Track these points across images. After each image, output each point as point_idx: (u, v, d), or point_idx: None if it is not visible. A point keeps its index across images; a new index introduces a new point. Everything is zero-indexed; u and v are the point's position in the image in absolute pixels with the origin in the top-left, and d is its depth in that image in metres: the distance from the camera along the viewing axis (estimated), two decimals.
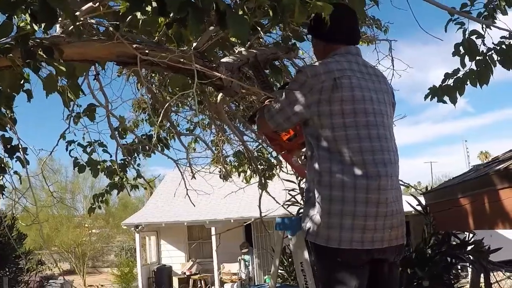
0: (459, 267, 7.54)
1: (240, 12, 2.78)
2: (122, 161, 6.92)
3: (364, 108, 2.92)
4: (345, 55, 3.08)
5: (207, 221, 22.56)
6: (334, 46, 3.14)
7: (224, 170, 8.48)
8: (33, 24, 2.88)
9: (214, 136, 8.45)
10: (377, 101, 3.01)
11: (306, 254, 3.11)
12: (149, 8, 2.79)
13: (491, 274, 7.50)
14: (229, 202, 20.39)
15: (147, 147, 7.24)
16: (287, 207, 8.75)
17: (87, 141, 6.48)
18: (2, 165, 4.63)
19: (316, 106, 2.88)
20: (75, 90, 3.83)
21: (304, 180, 3.22)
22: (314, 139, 2.94)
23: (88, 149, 6.55)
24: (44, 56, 2.93)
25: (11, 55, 2.94)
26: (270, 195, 6.54)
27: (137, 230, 24.16)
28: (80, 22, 3.28)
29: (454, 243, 7.51)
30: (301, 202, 8.45)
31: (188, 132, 8.26)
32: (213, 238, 22.87)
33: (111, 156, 6.73)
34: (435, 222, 6.96)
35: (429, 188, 8.41)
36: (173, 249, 26.52)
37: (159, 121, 6.09)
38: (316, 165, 2.91)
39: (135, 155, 7.31)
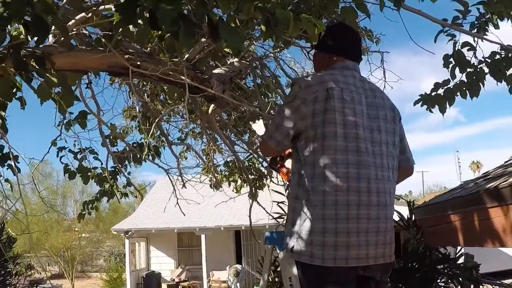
0: (448, 280, 7.52)
1: (232, 25, 2.78)
2: (113, 169, 6.90)
3: (355, 121, 2.90)
4: (341, 69, 3.10)
5: (197, 228, 22.57)
6: (334, 59, 3.19)
7: (214, 179, 8.48)
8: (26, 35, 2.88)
9: (205, 146, 8.46)
10: (368, 117, 2.99)
11: (294, 270, 3.09)
12: (141, 21, 2.79)
13: (481, 286, 7.51)
14: (219, 210, 20.36)
15: (137, 155, 7.23)
16: (275, 218, 8.75)
17: (78, 148, 6.48)
18: None
19: (311, 117, 2.87)
20: (68, 98, 3.82)
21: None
22: (305, 153, 2.90)
23: (79, 156, 6.54)
24: (36, 66, 2.93)
25: (3, 64, 2.94)
26: (260, 205, 6.54)
27: (127, 235, 24.13)
28: (73, 33, 3.28)
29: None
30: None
31: (179, 141, 8.25)
32: (203, 246, 22.88)
33: (101, 164, 6.73)
34: (423, 236, 6.99)
35: (419, 200, 8.43)
36: (162, 255, 26.50)
37: (151, 130, 6.11)
38: (301, 183, 2.91)
39: (126, 162, 7.31)
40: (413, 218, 7.78)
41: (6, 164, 4.39)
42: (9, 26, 3.30)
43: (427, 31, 4.86)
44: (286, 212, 3.20)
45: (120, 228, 24.56)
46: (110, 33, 3.43)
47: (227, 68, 3.94)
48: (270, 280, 8.13)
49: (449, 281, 7.38)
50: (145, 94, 6.67)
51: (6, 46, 2.96)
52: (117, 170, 6.96)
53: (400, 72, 7.24)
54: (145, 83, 6.84)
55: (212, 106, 4.11)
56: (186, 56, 3.62)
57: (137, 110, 7.42)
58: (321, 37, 3.15)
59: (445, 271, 7.26)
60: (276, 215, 8.69)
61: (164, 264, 26.14)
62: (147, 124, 7.34)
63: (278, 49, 6.11)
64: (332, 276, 2.80)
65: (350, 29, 3.38)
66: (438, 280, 7.34)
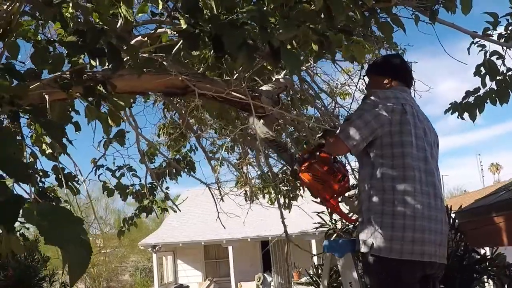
0: (487, 279, 7.69)
1: (289, 47, 2.94)
2: (150, 185, 7.06)
3: (421, 134, 3.23)
4: (401, 92, 3.39)
5: (224, 240, 22.60)
6: (395, 83, 3.50)
7: (250, 191, 8.61)
8: (91, 60, 3.03)
9: (238, 160, 8.59)
10: (427, 133, 3.32)
11: (354, 274, 3.25)
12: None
13: None
14: (246, 222, 20.46)
15: (174, 170, 7.39)
16: (316, 229, 8.91)
17: (117, 165, 6.64)
18: (54, 195, 4.77)
19: (389, 125, 3.15)
20: (116, 118, 3.98)
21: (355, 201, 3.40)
22: (379, 158, 3.17)
23: (117, 174, 6.69)
24: (103, 91, 3.09)
25: (71, 91, 3.10)
26: (281, 220, 6.64)
27: (154, 250, 24.24)
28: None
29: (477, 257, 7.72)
30: (330, 224, 8.58)
31: (211, 155, 8.39)
32: (231, 257, 22.95)
33: (140, 180, 6.88)
34: (466, 238, 7.18)
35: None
36: (189, 268, 26.55)
37: (187, 145, 6.23)
38: (379, 184, 3.13)
39: (163, 178, 7.47)
40: (450, 221, 7.95)
41: (65, 185, 4.53)
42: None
43: (444, 34, 4.97)
44: (354, 213, 3.36)
45: (147, 243, 24.69)
46: (163, 55, 3.59)
47: (273, 85, 4.09)
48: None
49: (488, 280, 7.55)
50: (182, 110, 6.82)
51: (68, 71, 3.14)
52: (154, 186, 7.12)
53: (419, 75, 7.36)
54: (178, 100, 7.00)
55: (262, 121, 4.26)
56: (236, 75, 3.78)
57: (174, 127, 7.58)
58: (386, 65, 3.66)
59: (484, 270, 7.42)
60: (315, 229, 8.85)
61: (192, 277, 26.17)
62: (183, 139, 7.52)
63: (310, 64, 6.27)
64: (407, 269, 3.04)
65: (405, 61, 3.85)
66: (478, 280, 7.49)
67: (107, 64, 2.92)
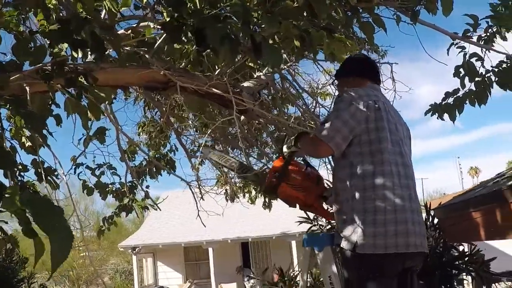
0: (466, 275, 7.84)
1: (271, 42, 2.96)
2: (130, 183, 7.03)
3: (395, 129, 3.28)
4: (372, 89, 3.44)
5: (204, 242, 22.54)
6: (363, 81, 3.52)
7: (230, 190, 8.62)
8: (73, 52, 3.03)
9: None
10: (399, 128, 3.36)
11: (334, 268, 3.26)
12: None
13: (494, 285, 7.80)
14: (226, 223, 20.45)
15: (154, 168, 7.38)
16: (299, 224, 8.94)
17: (96, 163, 6.59)
18: (33, 189, 4.73)
19: (365, 122, 3.16)
20: (96, 111, 3.94)
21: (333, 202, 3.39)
22: (357, 156, 3.18)
23: (97, 172, 6.65)
24: (85, 82, 3.09)
25: (52, 82, 3.09)
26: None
27: (134, 252, 24.10)
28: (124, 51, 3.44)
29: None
30: (313, 219, 8.62)
31: (192, 153, 8.39)
32: (211, 259, 22.90)
33: (120, 179, 6.85)
34: (444, 235, 7.30)
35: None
36: (170, 270, 26.40)
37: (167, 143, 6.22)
38: (360, 182, 3.14)
39: (143, 177, 7.45)
40: (430, 219, 8.11)
41: (45, 179, 4.50)
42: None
43: (427, 40, 5.04)
44: (337, 213, 3.35)
45: (127, 245, 24.52)
46: (145, 49, 3.60)
47: (255, 82, 4.11)
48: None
49: (466, 276, 7.68)
50: (164, 108, 6.81)
51: (49, 63, 3.13)
52: (134, 184, 7.10)
53: (398, 77, 7.44)
54: (159, 98, 6.99)
55: (242, 118, 4.27)
56: (218, 70, 3.80)
57: (154, 124, 7.56)
58: (351, 64, 3.66)
59: (463, 266, 7.54)
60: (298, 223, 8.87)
61: (172, 279, 26.03)
62: (163, 138, 7.51)
63: (292, 62, 6.30)
64: (389, 262, 3.06)
65: (373, 60, 3.99)
66: (456, 276, 7.62)
67: (90, 55, 2.90)
